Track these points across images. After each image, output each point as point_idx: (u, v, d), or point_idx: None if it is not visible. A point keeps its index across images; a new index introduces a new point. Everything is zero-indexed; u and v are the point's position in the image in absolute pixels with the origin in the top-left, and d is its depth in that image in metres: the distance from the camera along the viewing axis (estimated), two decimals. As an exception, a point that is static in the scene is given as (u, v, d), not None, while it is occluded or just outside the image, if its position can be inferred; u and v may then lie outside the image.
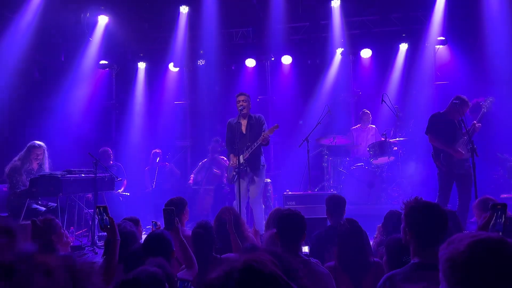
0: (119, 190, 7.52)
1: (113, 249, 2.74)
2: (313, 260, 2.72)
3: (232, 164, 5.78)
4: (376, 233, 3.85)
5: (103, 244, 5.65)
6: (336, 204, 3.95)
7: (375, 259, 2.93)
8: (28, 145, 5.78)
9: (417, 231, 2.10)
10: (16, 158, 5.70)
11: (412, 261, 2.10)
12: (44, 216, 3.47)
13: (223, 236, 3.63)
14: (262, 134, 5.52)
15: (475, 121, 5.44)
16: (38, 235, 3.21)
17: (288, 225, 2.71)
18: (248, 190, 5.69)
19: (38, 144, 5.79)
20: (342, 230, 2.99)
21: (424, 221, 2.10)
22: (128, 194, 7.74)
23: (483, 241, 1.16)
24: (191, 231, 3.31)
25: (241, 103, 5.69)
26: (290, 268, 1.38)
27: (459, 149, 5.39)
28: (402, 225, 2.19)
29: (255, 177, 5.68)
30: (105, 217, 2.78)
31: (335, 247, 3.02)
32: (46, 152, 5.87)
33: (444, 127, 5.52)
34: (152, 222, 3.60)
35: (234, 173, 5.73)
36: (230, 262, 1.09)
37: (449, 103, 5.59)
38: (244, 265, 1.05)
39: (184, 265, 2.99)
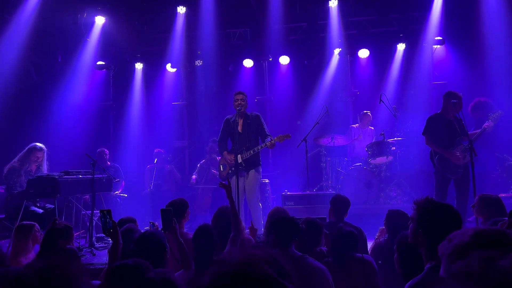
0: (116, 192, 7.49)
1: (115, 253, 2.77)
2: (308, 256, 2.74)
3: (229, 162, 5.75)
4: (377, 234, 3.84)
5: (101, 245, 5.65)
6: (339, 204, 3.97)
7: (364, 255, 2.94)
8: (29, 146, 5.72)
9: (432, 233, 2.00)
10: (16, 159, 5.65)
11: (428, 265, 2.02)
12: (65, 222, 3.48)
13: (221, 236, 3.61)
14: (272, 140, 5.49)
15: (486, 123, 5.33)
16: (51, 237, 3.21)
17: (280, 230, 2.82)
18: (245, 189, 5.69)
19: (40, 147, 5.73)
20: (332, 235, 3.03)
21: (439, 223, 2.02)
22: (126, 195, 7.71)
23: (486, 231, 1.16)
24: (191, 234, 3.28)
25: (239, 102, 5.69)
26: (281, 266, 1.35)
27: (457, 153, 5.34)
28: (412, 226, 2.11)
29: (252, 176, 5.68)
30: (108, 220, 2.80)
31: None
32: (45, 154, 5.84)
33: (443, 129, 5.46)
34: (150, 222, 3.59)
35: (230, 171, 5.72)
36: (221, 264, 1.02)
37: (442, 101, 5.55)
38: (236, 269, 1.00)
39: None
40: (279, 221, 2.90)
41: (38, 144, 5.77)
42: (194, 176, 8.21)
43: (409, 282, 2.04)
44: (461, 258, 1.06)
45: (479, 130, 5.37)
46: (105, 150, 7.81)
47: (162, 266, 2.56)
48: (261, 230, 5.49)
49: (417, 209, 2.10)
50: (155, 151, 8.45)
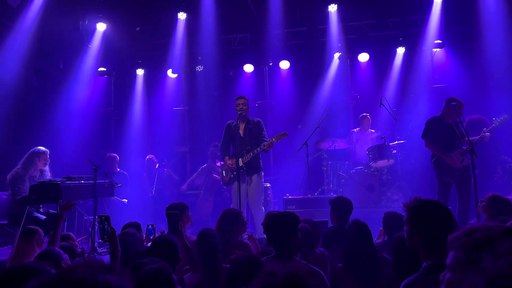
0: (124, 200, 7.48)
1: (114, 259, 2.71)
2: (303, 261, 2.71)
3: (230, 166, 5.77)
4: (377, 235, 3.84)
5: (103, 251, 5.65)
6: (343, 207, 3.90)
7: (384, 254, 2.91)
8: (31, 151, 5.72)
9: (425, 230, 2.05)
10: (19, 165, 5.65)
11: (424, 264, 2.04)
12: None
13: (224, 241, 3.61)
14: (269, 140, 5.53)
15: (485, 129, 5.34)
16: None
17: (274, 228, 2.67)
18: (247, 193, 5.69)
19: (43, 150, 5.74)
20: (350, 234, 2.95)
21: (430, 219, 2.06)
22: (126, 200, 7.69)
23: None
24: (195, 237, 3.28)
25: (240, 106, 5.72)
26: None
27: (454, 157, 5.36)
28: (406, 228, 2.13)
29: (254, 180, 5.70)
30: (106, 226, 2.75)
31: (340, 248, 3.01)
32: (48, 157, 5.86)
33: (442, 132, 5.49)
34: (148, 225, 3.56)
35: (232, 175, 5.73)
36: (269, 276, 1.05)
37: (444, 106, 5.58)
38: (285, 281, 1.02)
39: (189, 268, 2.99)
40: (272, 235, 2.70)
41: (41, 147, 5.78)
42: (188, 181, 8.23)
43: (405, 280, 2.05)
44: (488, 251, 1.05)
45: (478, 137, 5.31)
46: (115, 156, 7.80)
47: (173, 272, 2.55)
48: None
49: (407, 210, 2.14)
50: (147, 158, 8.45)
